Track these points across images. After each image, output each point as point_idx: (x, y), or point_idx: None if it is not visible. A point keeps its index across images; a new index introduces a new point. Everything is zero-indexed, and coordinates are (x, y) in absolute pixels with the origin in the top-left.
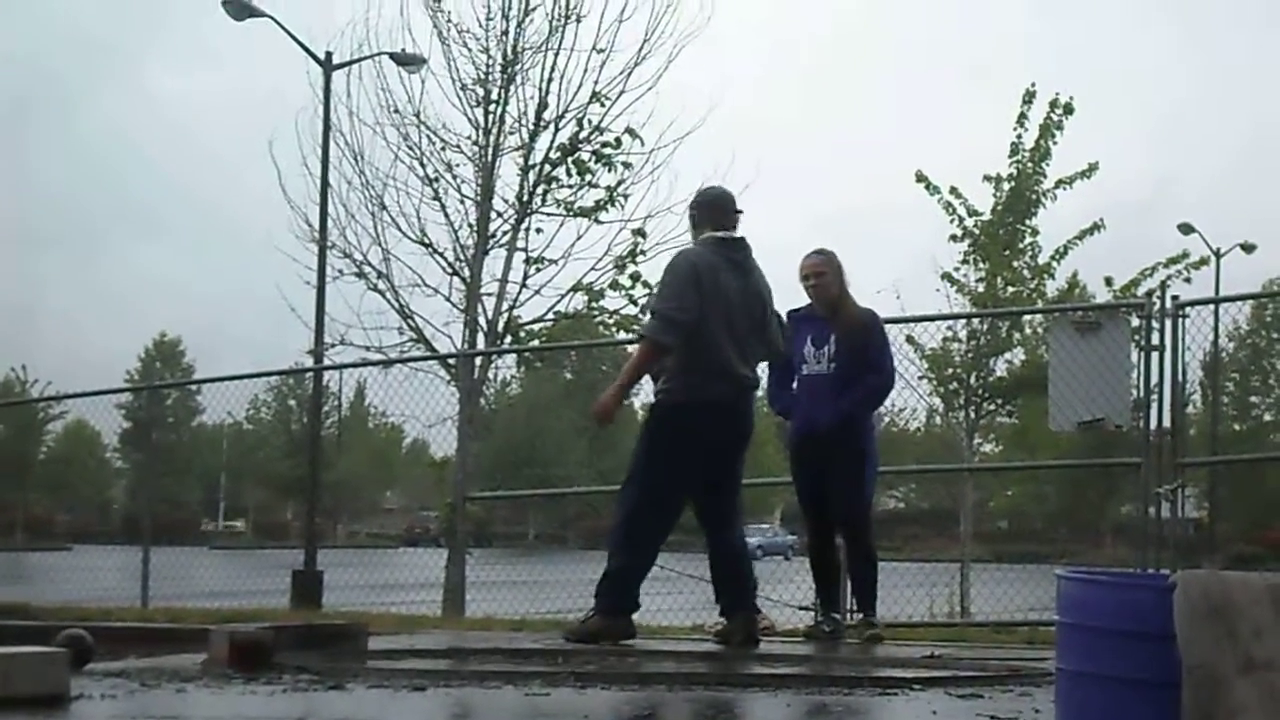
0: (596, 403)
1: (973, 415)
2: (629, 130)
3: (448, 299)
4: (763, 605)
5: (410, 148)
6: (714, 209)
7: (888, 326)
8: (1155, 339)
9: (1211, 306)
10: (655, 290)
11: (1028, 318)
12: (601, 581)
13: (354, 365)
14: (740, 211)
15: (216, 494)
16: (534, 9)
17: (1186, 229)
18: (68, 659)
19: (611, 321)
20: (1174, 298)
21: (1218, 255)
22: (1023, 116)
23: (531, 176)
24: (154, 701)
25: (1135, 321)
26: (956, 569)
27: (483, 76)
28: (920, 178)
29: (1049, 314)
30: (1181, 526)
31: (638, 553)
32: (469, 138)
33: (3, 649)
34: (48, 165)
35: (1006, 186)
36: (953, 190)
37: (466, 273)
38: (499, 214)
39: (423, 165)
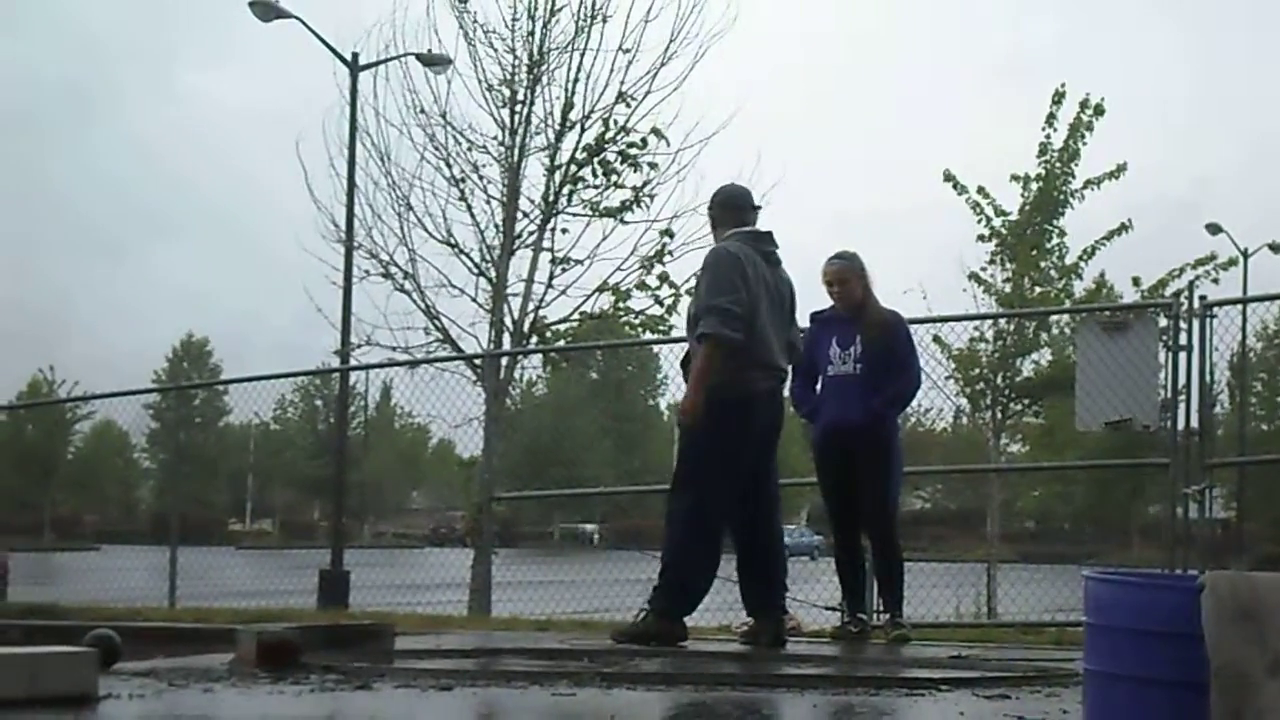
0: (681, 409)
1: (999, 415)
2: (655, 130)
3: (474, 299)
4: (789, 605)
5: (436, 148)
6: (734, 207)
7: (914, 327)
8: (1183, 339)
9: (1239, 306)
10: (700, 288)
11: (1055, 318)
12: (659, 585)
13: (380, 365)
14: (759, 208)
15: (243, 494)
16: (560, 9)
17: (1214, 229)
18: (96, 659)
19: (638, 322)
20: (1202, 298)
21: (1245, 255)
22: (1052, 117)
23: (557, 177)
24: (182, 701)
25: (1163, 322)
26: (983, 569)
27: (509, 77)
28: (948, 177)
29: (1076, 314)
30: (1209, 527)
31: (699, 554)
32: (495, 138)
33: (31, 649)
34: (75, 168)
35: (1034, 187)
36: (980, 190)
37: (492, 273)
38: (525, 214)
39: (449, 166)
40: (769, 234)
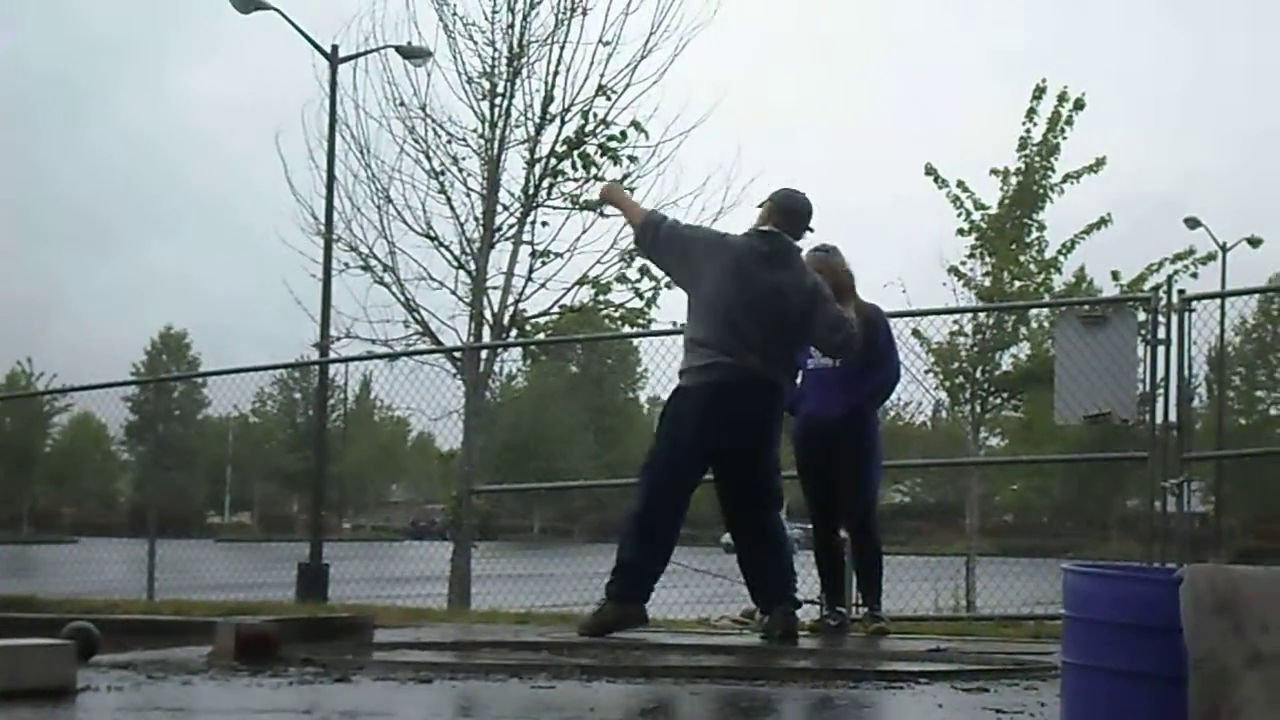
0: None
1: (979, 409)
2: (634, 124)
3: (453, 292)
4: None
5: (416, 141)
6: (781, 212)
7: (894, 320)
8: (1161, 333)
9: (1218, 301)
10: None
11: (1034, 312)
12: (614, 571)
13: (360, 358)
14: (812, 230)
15: (222, 487)
16: (540, 2)
17: (1193, 223)
18: (74, 651)
19: (617, 315)
20: (1180, 292)
21: (1224, 249)
22: (1032, 111)
23: (537, 170)
24: (160, 693)
25: (1141, 316)
26: (962, 563)
27: (489, 70)
28: (929, 171)
29: (1055, 308)
30: (1188, 520)
31: (649, 543)
32: (475, 131)
33: (9, 641)
34: (57, 160)
35: (1014, 181)
36: (960, 184)
37: (472, 266)
38: (505, 207)
39: (429, 158)
40: (776, 234)
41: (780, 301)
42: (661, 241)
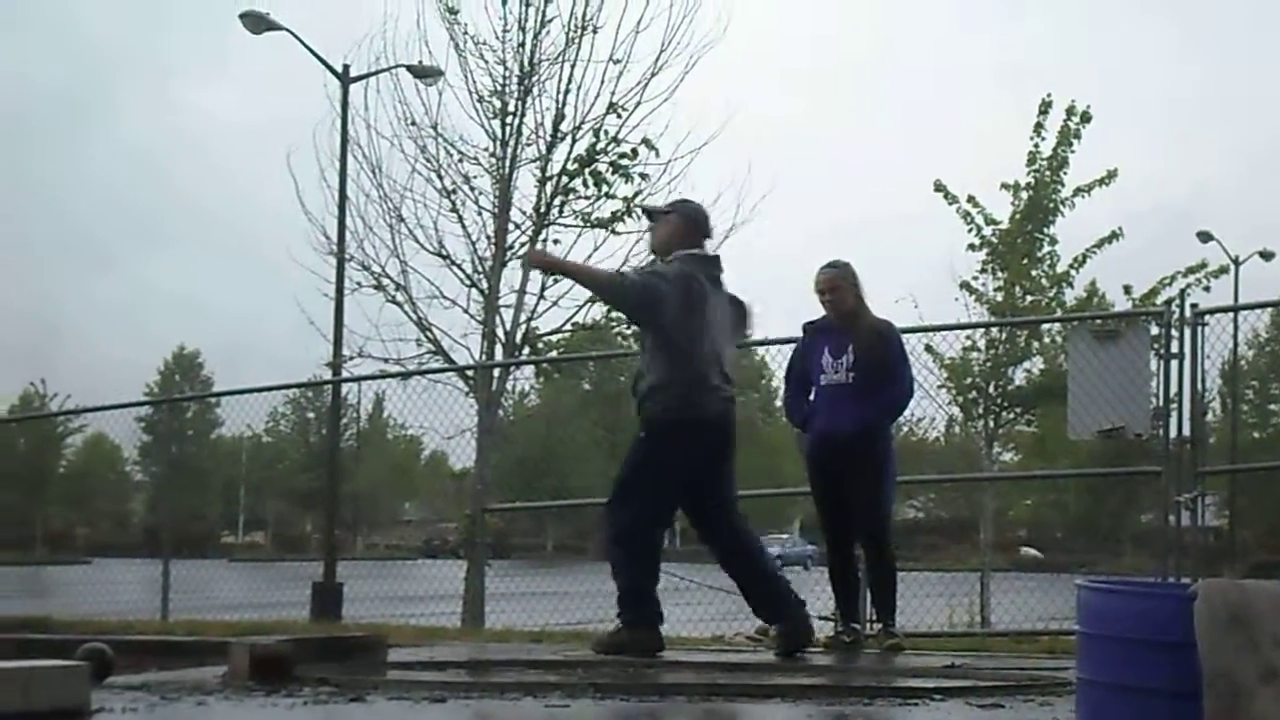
0: (533, 254)
1: (992, 424)
2: (645, 141)
3: (466, 311)
4: None
5: (428, 160)
6: (696, 225)
7: (906, 336)
8: (1174, 347)
9: (1231, 314)
10: (649, 268)
11: (1046, 326)
12: (620, 600)
13: (372, 377)
14: (709, 237)
15: (236, 507)
16: (550, 20)
17: (1206, 237)
18: (88, 672)
19: (629, 332)
20: (1193, 306)
21: (1237, 263)
22: (1040, 126)
23: (549, 188)
24: (175, 714)
25: (1154, 330)
26: (976, 578)
27: (500, 88)
28: (939, 187)
29: (1068, 323)
30: (1202, 535)
31: (643, 566)
32: (486, 149)
33: (24, 663)
34: (68, 179)
35: (1024, 195)
36: (970, 199)
37: (484, 284)
38: (516, 225)
39: (440, 177)
40: (717, 258)
41: (729, 317)
42: (651, 290)
